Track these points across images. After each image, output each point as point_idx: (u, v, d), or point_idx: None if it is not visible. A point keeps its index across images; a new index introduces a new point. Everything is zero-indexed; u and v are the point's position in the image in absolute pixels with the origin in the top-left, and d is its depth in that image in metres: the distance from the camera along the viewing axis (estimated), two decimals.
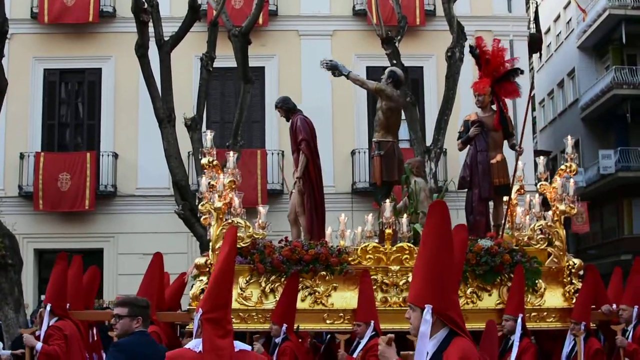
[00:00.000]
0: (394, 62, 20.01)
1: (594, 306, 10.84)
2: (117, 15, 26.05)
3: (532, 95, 11.59)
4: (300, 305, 10.57)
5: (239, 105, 19.78)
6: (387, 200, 11.44)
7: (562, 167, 11.50)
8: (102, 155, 25.61)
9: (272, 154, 25.29)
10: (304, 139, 11.80)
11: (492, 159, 12.05)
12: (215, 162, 11.16)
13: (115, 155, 25.61)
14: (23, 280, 17.00)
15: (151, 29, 18.65)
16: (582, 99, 37.41)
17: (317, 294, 10.75)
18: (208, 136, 11.36)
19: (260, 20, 22.78)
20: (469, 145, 12.29)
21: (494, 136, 12.18)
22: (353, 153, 25.52)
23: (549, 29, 41.79)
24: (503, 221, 11.83)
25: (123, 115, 25.62)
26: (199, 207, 11.11)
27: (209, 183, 10.97)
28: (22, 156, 25.32)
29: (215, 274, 5.99)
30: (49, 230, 25.09)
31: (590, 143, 37.24)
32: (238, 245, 10.86)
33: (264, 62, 25.83)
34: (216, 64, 20.12)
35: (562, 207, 11.22)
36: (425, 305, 4.92)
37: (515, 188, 12.30)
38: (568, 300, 10.93)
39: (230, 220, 10.90)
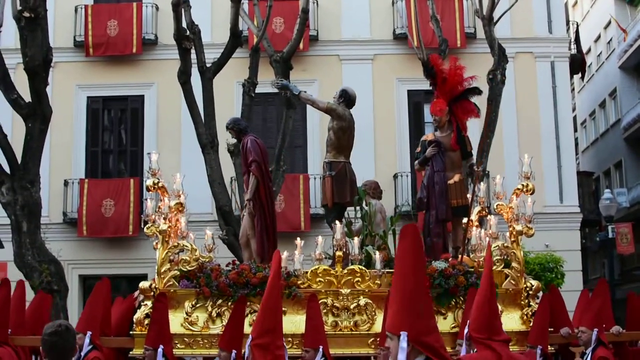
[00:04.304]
0: None
1: (552, 329, 10.59)
2: (159, 43, 26.25)
3: (493, 115, 11.43)
4: (248, 330, 10.02)
5: (282, 131, 19.80)
6: (338, 222, 11.24)
7: (519, 186, 11.27)
8: (145, 182, 25.68)
9: (315, 178, 25.25)
10: (254, 160, 11.66)
11: (450, 180, 11.86)
12: (161, 184, 11.14)
13: None
14: (68, 306, 17.19)
15: (193, 56, 18.79)
16: (624, 119, 37.10)
17: None
18: (153, 157, 11.26)
19: (301, 46, 22.80)
20: (427, 166, 12.08)
21: (451, 156, 12.03)
22: (395, 177, 25.44)
23: (589, 50, 41.51)
24: (462, 243, 11.51)
25: (166, 141, 25.71)
26: (144, 229, 10.92)
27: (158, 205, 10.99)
28: (66, 183, 25.54)
29: (263, 299, 5.99)
30: (93, 257, 25.19)
31: (634, 163, 36.89)
32: (184, 269, 10.81)
33: (305, 87, 25.52)
34: (258, 90, 20.16)
35: (518, 227, 11.02)
36: (401, 333, 4.81)
37: (476, 210, 11.97)
38: (526, 323, 10.64)
39: (176, 243, 10.84)
